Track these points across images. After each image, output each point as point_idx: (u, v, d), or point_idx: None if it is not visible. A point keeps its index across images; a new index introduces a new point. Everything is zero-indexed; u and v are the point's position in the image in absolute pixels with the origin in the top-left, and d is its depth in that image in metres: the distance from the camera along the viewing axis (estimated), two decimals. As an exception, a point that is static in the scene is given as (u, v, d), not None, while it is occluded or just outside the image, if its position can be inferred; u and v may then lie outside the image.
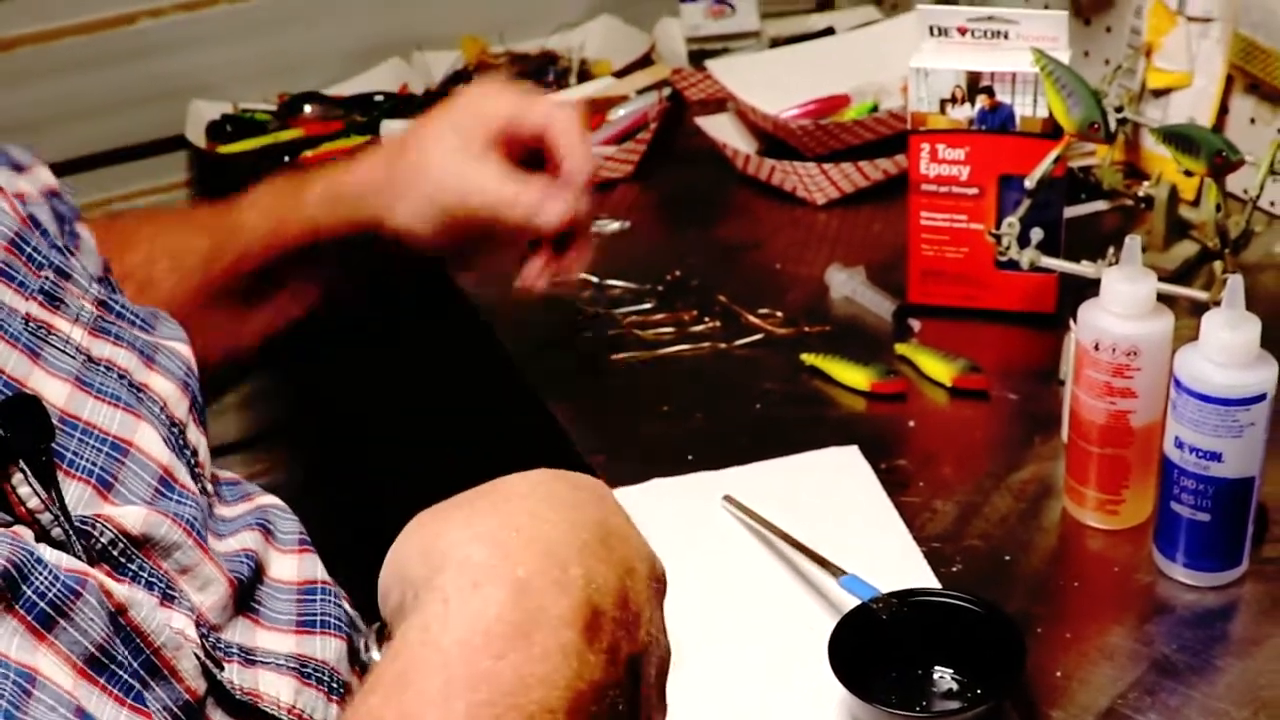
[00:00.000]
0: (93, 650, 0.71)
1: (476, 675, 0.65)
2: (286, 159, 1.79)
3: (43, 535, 0.75)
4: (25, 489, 0.75)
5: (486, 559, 0.69)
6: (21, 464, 0.75)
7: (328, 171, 1.18)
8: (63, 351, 0.87)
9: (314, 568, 0.97)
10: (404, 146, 1.13)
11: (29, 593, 0.69)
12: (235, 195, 1.21)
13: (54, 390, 0.84)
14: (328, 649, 0.91)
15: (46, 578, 0.70)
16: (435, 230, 1.11)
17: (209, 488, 0.96)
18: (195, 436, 0.96)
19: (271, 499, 1.02)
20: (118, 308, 0.97)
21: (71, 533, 0.77)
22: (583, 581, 0.69)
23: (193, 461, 0.94)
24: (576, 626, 0.68)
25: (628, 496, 1.11)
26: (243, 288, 1.18)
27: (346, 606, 0.96)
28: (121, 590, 0.75)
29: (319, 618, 0.93)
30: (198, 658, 0.80)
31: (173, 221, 1.23)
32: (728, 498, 1.11)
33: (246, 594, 0.90)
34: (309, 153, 1.79)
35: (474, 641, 0.66)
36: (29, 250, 0.91)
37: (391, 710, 0.65)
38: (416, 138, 1.13)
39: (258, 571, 0.92)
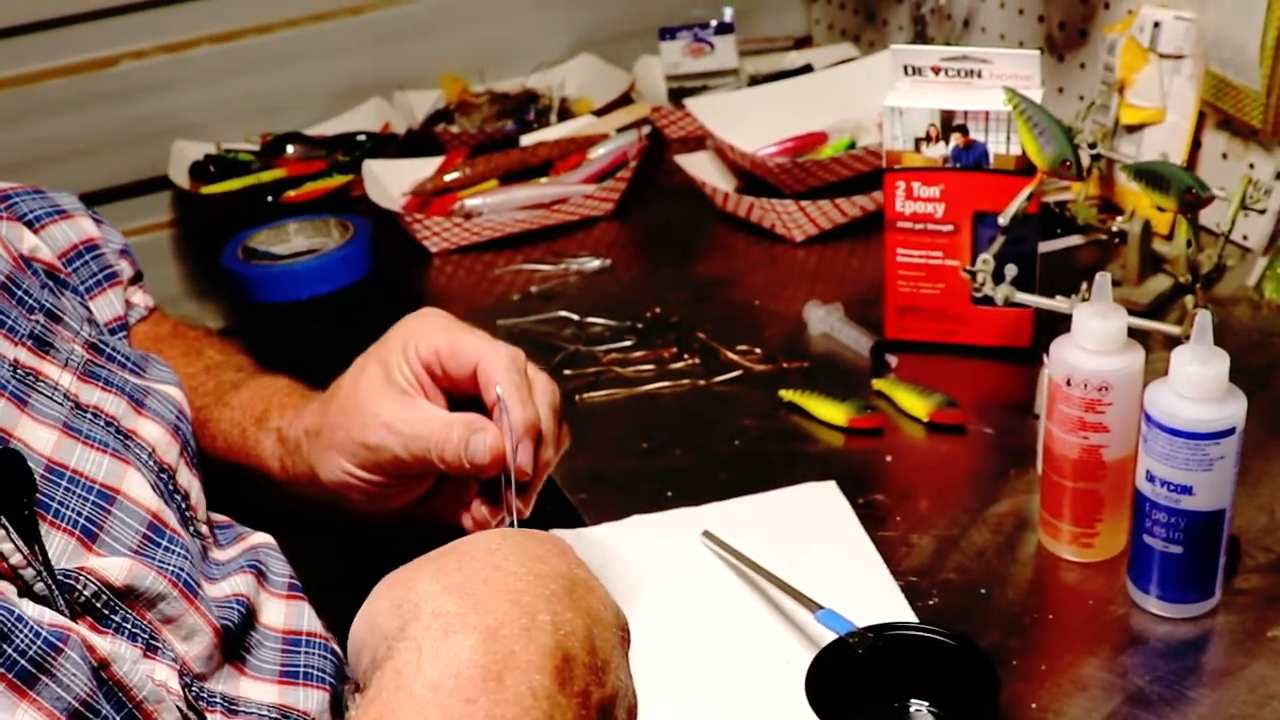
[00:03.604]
0: (76, 706, 0.71)
1: (450, 718, 0.66)
2: (269, 199, 1.80)
3: (25, 590, 0.75)
4: (7, 545, 0.75)
5: (457, 609, 0.70)
6: (3, 519, 0.75)
7: (287, 406, 1.08)
8: (50, 398, 0.87)
9: (300, 617, 0.97)
10: (338, 386, 1.03)
11: (10, 651, 0.69)
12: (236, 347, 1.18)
13: (41, 438, 0.84)
14: (310, 700, 0.91)
15: (28, 635, 0.70)
16: (369, 472, 0.99)
17: (202, 530, 0.96)
18: (187, 480, 0.96)
19: (264, 538, 1.02)
20: (108, 350, 0.97)
21: (54, 587, 0.77)
22: (551, 628, 0.70)
23: (184, 506, 0.94)
24: (547, 670, 0.69)
25: (607, 533, 1.13)
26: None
27: (332, 658, 0.96)
28: (104, 644, 0.76)
29: (302, 669, 0.93)
30: (180, 710, 0.80)
31: (186, 380, 1.11)
32: (706, 533, 1.11)
33: (235, 641, 0.90)
34: (291, 192, 1.80)
35: (445, 685, 0.67)
36: (19, 293, 0.91)
37: None
38: (347, 375, 1.02)
39: (249, 617, 0.92)
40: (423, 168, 1.79)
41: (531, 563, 0.74)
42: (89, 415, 0.89)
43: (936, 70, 1.31)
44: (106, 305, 1.09)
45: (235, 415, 1.08)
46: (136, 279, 1.16)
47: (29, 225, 1.04)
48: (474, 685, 0.67)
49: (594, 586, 0.75)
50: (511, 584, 0.72)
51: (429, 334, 0.99)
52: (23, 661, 0.69)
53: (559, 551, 0.76)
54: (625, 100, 1.96)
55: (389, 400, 0.98)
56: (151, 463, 0.92)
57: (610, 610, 0.75)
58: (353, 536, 1.08)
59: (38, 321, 0.91)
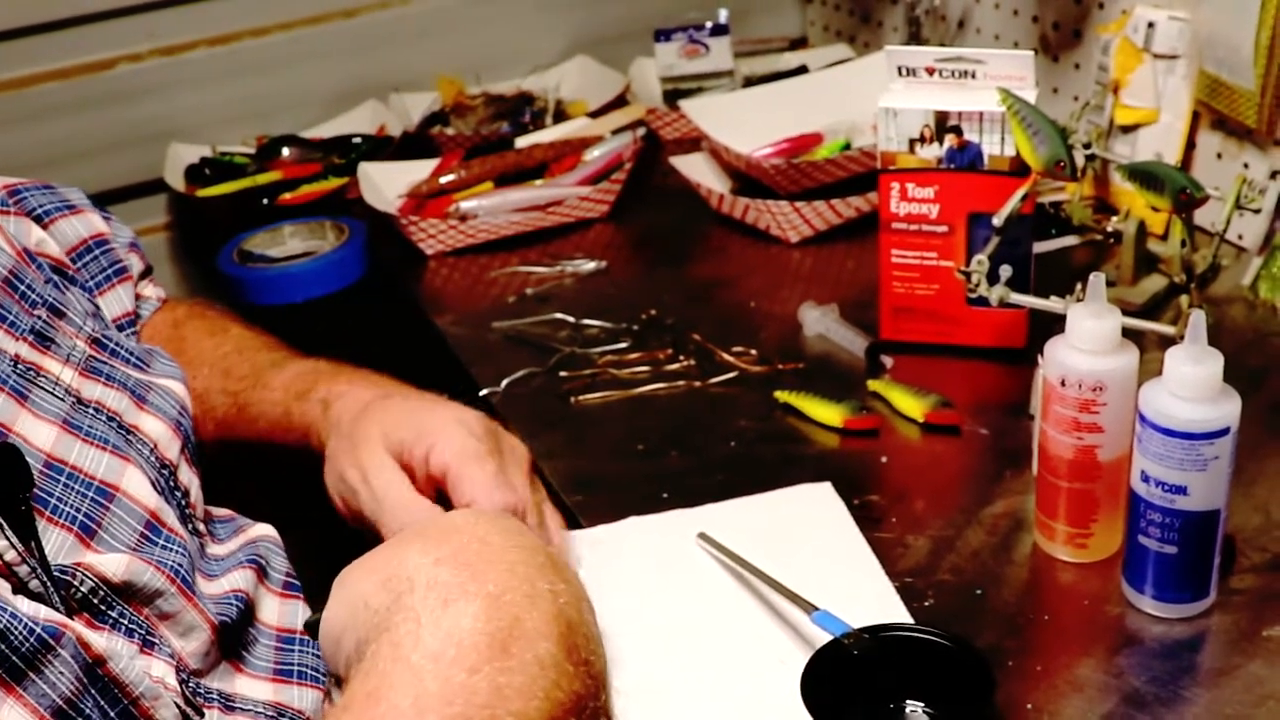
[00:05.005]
0: (60, 703, 0.71)
1: (451, 689, 0.65)
2: (265, 201, 1.80)
3: (20, 587, 0.75)
4: (2, 542, 0.75)
5: (454, 577, 0.69)
6: None
7: (338, 378, 1.09)
8: (51, 394, 0.87)
9: (295, 616, 0.98)
10: (370, 411, 1.03)
11: (2, 647, 0.69)
12: (269, 336, 1.18)
13: (41, 434, 0.84)
14: (305, 699, 0.91)
15: (21, 631, 0.70)
16: (342, 507, 1.02)
17: (200, 528, 0.96)
18: (187, 477, 0.96)
19: (265, 530, 1.02)
20: (111, 345, 0.97)
21: (49, 584, 0.77)
22: (551, 596, 0.70)
23: (183, 503, 0.94)
24: (553, 638, 0.68)
25: (603, 535, 1.13)
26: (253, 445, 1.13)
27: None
28: (100, 641, 0.75)
29: (296, 668, 0.93)
30: (177, 706, 0.80)
31: (215, 363, 1.15)
32: (702, 535, 1.11)
33: (232, 638, 0.90)
34: (287, 195, 1.80)
35: (447, 654, 0.66)
36: (23, 288, 0.91)
37: None
38: (379, 417, 1.02)
39: (247, 613, 0.92)
40: (418, 170, 1.79)
41: (514, 536, 0.73)
42: (90, 411, 0.90)
43: (931, 71, 1.31)
44: (115, 301, 1.09)
45: (277, 396, 1.08)
46: (147, 273, 1.16)
47: (38, 220, 1.04)
48: (477, 654, 0.66)
49: (567, 564, 0.76)
50: (504, 555, 0.71)
51: (444, 449, 0.98)
52: (14, 658, 0.69)
53: (526, 529, 0.76)
54: (620, 102, 1.96)
55: (388, 468, 0.98)
56: (153, 459, 0.92)
57: (583, 586, 0.75)
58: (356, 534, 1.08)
59: (40, 317, 0.91)
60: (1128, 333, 1.02)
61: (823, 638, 0.95)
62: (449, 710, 0.65)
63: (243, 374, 1.11)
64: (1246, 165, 1.44)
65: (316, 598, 0.98)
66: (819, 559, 1.08)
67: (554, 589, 0.70)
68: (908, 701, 0.95)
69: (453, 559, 0.71)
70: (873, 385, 1.30)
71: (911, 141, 1.29)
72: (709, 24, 1.95)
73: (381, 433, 0.98)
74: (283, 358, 1.13)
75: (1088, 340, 1.00)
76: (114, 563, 0.82)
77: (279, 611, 0.97)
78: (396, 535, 0.76)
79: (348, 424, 1.01)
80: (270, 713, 0.89)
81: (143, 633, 0.82)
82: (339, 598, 0.74)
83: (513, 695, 0.66)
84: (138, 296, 1.13)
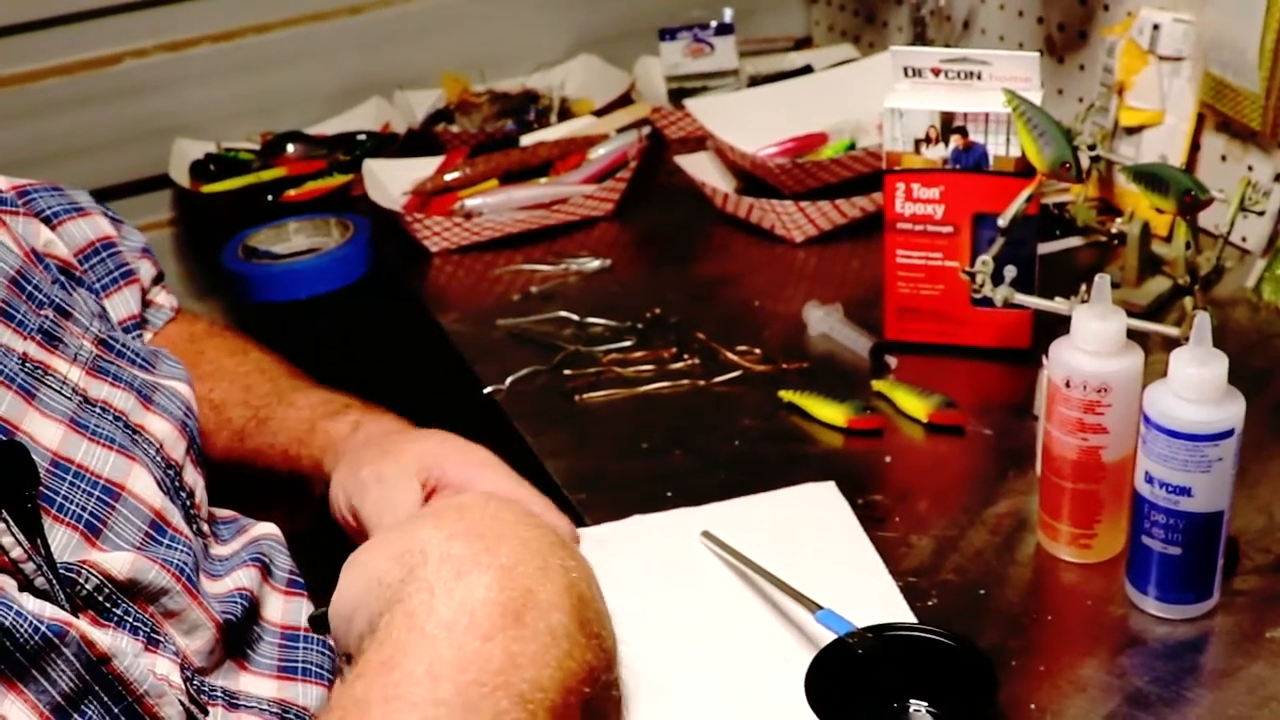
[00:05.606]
0: (59, 700, 0.72)
1: (465, 656, 0.66)
2: (270, 198, 1.80)
3: (26, 584, 0.76)
4: (8, 539, 0.75)
5: (468, 550, 0.70)
6: (4, 514, 0.75)
7: (371, 408, 1.09)
8: (59, 392, 0.88)
9: (299, 613, 0.98)
10: (407, 435, 1.03)
11: (7, 644, 0.69)
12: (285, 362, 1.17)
13: (48, 432, 0.84)
14: (309, 696, 0.91)
15: (26, 629, 0.70)
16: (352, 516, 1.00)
17: (204, 528, 0.97)
18: (192, 477, 0.96)
19: (268, 528, 1.02)
20: (118, 346, 0.97)
21: (55, 581, 0.77)
22: (562, 570, 0.70)
23: (188, 504, 0.94)
24: (565, 609, 0.69)
25: (607, 533, 1.13)
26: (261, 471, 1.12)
27: (330, 654, 0.96)
28: (104, 639, 0.76)
29: (301, 665, 0.93)
30: (182, 704, 0.80)
31: (235, 379, 1.15)
32: (706, 533, 1.11)
33: (237, 636, 0.90)
34: (292, 191, 1.80)
35: (460, 623, 0.67)
36: (30, 288, 0.92)
37: (376, 693, 0.66)
38: (417, 453, 1.00)
39: (252, 611, 0.93)
40: (423, 167, 1.79)
41: (524, 516, 0.75)
42: (97, 410, 0.90)
43: (936, 72, 1.31)
44: (121, 303, 1.09)
45: (304, 414, 1.08)
46: (158, 279, 1.16)
47: (46, 221, 1.05)
48: (490, 623, 0.67)
49: (575, 547, 0.76)
50: (516, 531, 0.72)
51: (493, 480, 0.99)
52: (18, 655, 0.70)
53: (537, 515, 0.77)
54: (625, 100, 1.96)
55: (408, 479, 0.97)
56: (159, 459, 0.92)
57: (592, 568, 0.76)
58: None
59: (47, 316, 0.91)
60: (1132, 334, 1.02)
61: (826, 637, 0.95)
62: (463, 677, 0.65)
63: (264, 391, 1.11)
64: (1251, 168, 1.44)
65: (320, 595, 0.98)
66: (823, 558, 1.09)
67: (565, 565, 0.71)
68: (911, 701, 0.95)
69: (466, 534, 0.71)
70: (877, 385, 1.30)
71: (917, 142, 1.29)
72: (714, 23, 1.95)
73: (415, 451, 0.98)
74: (306, 383, 1.13)
75: (1092, 341, 1.00)
76: (119, 561, 0.82)
77: (283, 609, 0.98)
78: (408, 517, 0.76)
79: (378, 437, 1.02)
80: (275, 710, 0.89)
81: (147, 630, 0.83)
82: (349, 577, 0.74)
83: (526, 663, 0.66)
84: (149, 303, 1.14)
